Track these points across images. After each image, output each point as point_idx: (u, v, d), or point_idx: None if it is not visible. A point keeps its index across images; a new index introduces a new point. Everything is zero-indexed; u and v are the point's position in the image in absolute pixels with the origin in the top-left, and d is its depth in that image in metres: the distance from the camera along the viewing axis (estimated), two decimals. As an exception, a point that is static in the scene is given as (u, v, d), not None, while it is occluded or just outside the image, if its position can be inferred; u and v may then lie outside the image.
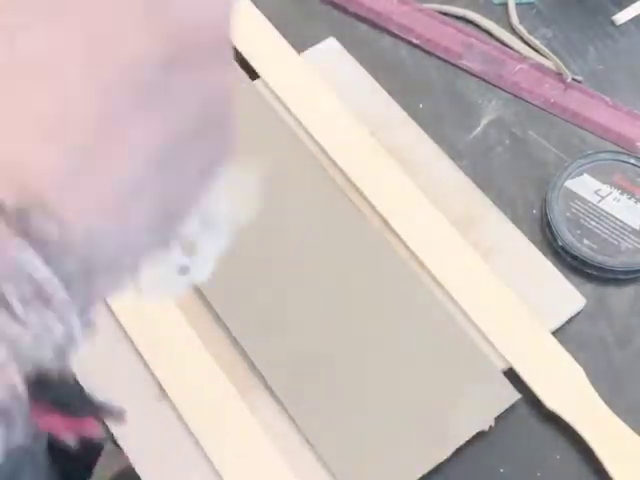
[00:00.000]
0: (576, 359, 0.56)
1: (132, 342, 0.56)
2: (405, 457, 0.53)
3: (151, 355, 0.56)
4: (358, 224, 0.61)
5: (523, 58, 0.70)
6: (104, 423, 0.54)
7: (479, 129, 0.66)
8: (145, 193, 0.25)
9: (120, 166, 0.24)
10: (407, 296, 0.58)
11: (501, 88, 0.68)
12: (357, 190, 0.62)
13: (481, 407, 0.54)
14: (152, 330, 0.56)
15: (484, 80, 0.68)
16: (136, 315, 0.57)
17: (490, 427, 0.54)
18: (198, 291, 0.58)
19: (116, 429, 0.55)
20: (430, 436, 0.53)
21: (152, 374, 0.55)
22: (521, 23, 0.71)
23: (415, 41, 0.71)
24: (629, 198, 0.61)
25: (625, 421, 0.54)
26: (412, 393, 0.55)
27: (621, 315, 0.59)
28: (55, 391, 0.28)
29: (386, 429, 0.54)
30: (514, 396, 0.55)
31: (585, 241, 0.60)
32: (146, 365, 0.56)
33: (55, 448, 0.47)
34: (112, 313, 0.57)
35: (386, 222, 0.61)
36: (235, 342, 0.57)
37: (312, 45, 0.70)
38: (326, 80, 0.66)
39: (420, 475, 0.53)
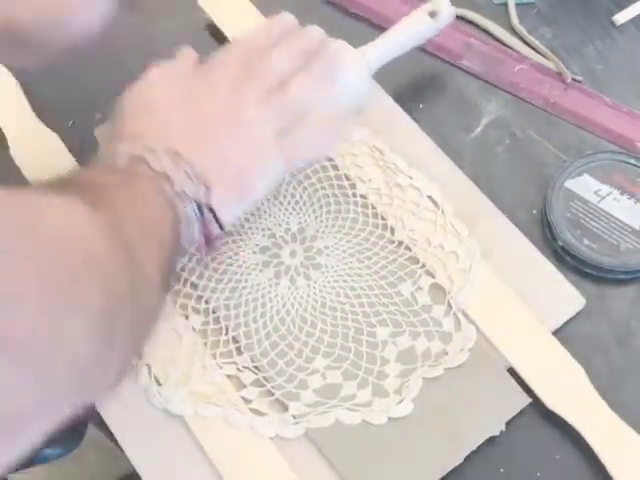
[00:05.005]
0: (576, 359, 0.56)
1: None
2: (417, 464, 0.53)
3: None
4: (367, 228, 0.61)
5: (523, 58, 0.70)
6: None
7: (479, 129, 0.66)
8: None
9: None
10: (413, 301, 0.58)
11: (501, 88, 0.68)
12: (355, 189, 0.62)
13: (493, 412, 0.54)
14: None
15: (484, 80, 0.68)
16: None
17: (501, 432, 0.54)
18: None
19: (119, 435, 0.55)
20: (442, 442, 0.53)
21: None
22: (521, 23, 0.71)
23: (415, 41, 0.71)
24: (629, 198, 0.61)
25: (625, 421, 0.54)
26: (424, 399, 0.55)
27: (621, 315, 0.59)
28: None
29: (399, 436, 0.53)
30: (525, 400, 0.54)
31: (585, 241, 0.60)
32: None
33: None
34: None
35: (389, 228, 0.61)
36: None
37: (312, 45, 0.70)
38: (326, 80, 0.65)
39: None
